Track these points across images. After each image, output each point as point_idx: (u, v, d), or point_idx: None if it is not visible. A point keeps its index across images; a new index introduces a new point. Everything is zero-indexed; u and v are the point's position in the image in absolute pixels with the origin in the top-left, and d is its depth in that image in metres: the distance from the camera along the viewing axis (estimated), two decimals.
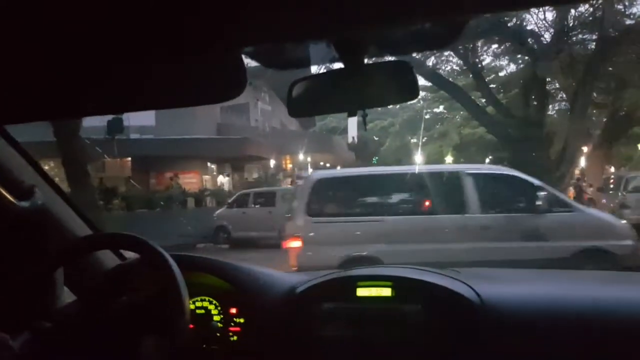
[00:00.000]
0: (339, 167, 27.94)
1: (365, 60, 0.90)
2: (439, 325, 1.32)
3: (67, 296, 1.38)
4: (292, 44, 0.87)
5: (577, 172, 17.26)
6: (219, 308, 1.50)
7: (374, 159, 27.14)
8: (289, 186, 15.40)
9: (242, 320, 1.48)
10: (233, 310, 1.49)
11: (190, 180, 17.76)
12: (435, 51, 11.98)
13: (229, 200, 14.48)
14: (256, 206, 13.33)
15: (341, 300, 1.42)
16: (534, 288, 1.46)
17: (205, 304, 1.52)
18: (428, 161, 26.77)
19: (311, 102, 1.01)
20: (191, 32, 0.75)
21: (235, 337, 1.47)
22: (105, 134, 11.35)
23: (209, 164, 19.47)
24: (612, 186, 14.04)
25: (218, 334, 1.47)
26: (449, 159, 26.26)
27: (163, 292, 1.18)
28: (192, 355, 1.34)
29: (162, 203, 14.66)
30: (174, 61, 0.84)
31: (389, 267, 1.57)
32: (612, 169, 19.85)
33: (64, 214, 1.41)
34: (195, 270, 1.46)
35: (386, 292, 1.39)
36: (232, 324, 1.48)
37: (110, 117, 8.75)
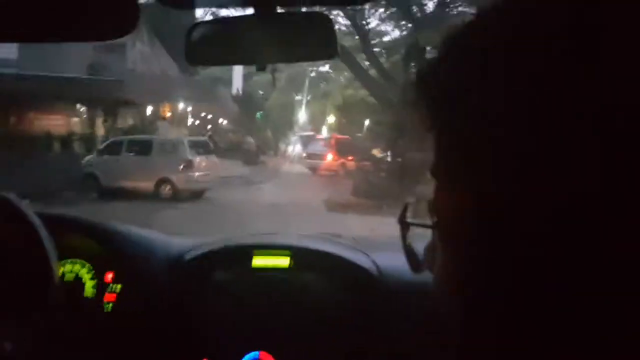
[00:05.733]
0: (220, 119, 27.22)
1: (279, 9, 0.79)
2: (337, 295, 1.28)
3: None
4: None
5: None
6: (93, 272, 1.32)
7: (259, 114, 26.82)
8: (170, 137, 14.65)
9: (119, 287, 1.31)
10: (109, 276, 1.31)
11: (57, 123, 16.20)
12: (351, 6, 11.99)
13: (100, 147, 13.49)
14: (130, 154, 12.56)
15: (235, 270, 1.33)
16: None
17: (77, 267, 1.32)
18: (312, 120, 27.09)
19: (213, 50, 0.88)
20: None
21: (110, 306, 1.30)
22: None
23: (78, 106, 17.87)
24: None
25: (90, 303, 1.29)
26: (331, 118, 26.77)
27: (25, 255, 1.00)
28: (57, 328, 1.16)
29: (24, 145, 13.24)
30: None
31: (286, 234, 1.51)
32: None
33: None
34: (65, 231, 1.27)
35: (284, 262, 1.32)
36: (108, 291, 1.30)
37: None
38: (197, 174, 12.23)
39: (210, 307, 1.31)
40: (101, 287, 1.31)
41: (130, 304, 1.29)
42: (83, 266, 1.32)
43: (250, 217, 9.06)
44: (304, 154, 18.50)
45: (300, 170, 17.76)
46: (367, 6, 14.13)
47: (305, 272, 1.32)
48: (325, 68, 27.18)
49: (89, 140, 15.67)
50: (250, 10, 0.80)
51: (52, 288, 0.99)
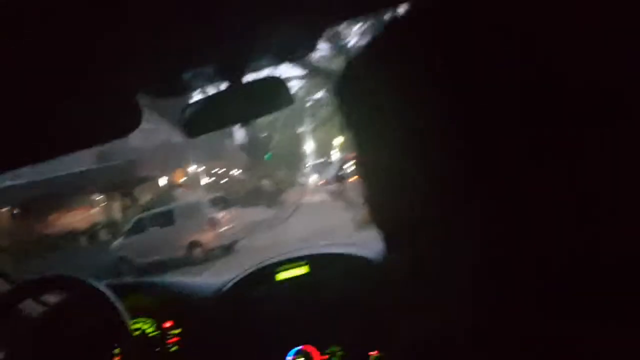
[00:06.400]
0: (233, 171, 27.55)
1: (246, 78, 1.07)
2: (348, 288, 1.48)
3: None
4: (180, 72, 0.99)
5: None
6: (155, 324, 1.59)
7: (267, 155, 27.06)
8: (189, 202, 14.79)
9: (179, 331, 1.58)
10: (167, 324, 1.58)
11: (78, 217, 16.59)
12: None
13: (125, 229, 13.76)
14: (156, 228, 12.77)
15: (263, 288, 1.58)
16: None
17: (139, 324, 1.59)
18: (321, 146, 27.23)
19: (204, 122, 1.16)
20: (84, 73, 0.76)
21: (175, 347, 1.57)
22: None
23: (94, 196, 18.28)
24: None
25: (157, 349, 1.57)
26: (339, 139, 26.87)
27: (106, 323, 1.32)
28: None
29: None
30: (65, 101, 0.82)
31: (302, 248, 1.71)
32: None
33: None
34: (127, 294, 1.51)
35: (302, 270, 1.56)
36: (169, 336, 1.58)
37: None
38: (223, 228, 12.35)
39: (253, 318, 1.56)
40: (164, 334, 1.58)
41: (190, 341, 1.56)
42: (144, 322, 1.59)
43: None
44: (322, 182, 18.52)
45: (322, 198, 17.76)
46: (341, 26, 14.30)
47: (323, 274, 1.54)
48: (320, 94, 27.39)
49: (113, 226, 15.97)
50: (225, 85, 1.08)
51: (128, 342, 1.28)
